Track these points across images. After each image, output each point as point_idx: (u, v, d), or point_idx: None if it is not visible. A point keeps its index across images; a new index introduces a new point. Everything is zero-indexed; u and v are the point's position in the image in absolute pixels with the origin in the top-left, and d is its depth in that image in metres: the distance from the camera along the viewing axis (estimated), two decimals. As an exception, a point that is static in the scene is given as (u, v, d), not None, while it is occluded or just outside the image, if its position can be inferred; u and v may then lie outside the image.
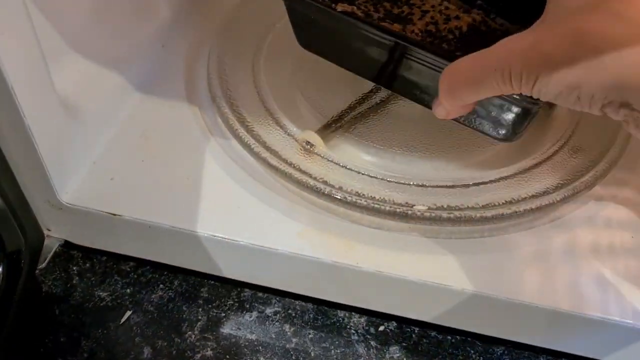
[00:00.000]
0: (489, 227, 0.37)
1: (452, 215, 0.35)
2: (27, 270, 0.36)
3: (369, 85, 0.44)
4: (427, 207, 0.36)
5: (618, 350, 0.34)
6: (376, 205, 0.36)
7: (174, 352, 0.37)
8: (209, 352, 0.37)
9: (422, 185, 0.38)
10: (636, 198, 0.38)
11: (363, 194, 0.36)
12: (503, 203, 0.36)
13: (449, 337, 0.38)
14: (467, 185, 0.38)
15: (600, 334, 0.33)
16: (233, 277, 0.39)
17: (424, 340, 0.38)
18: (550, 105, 0.43)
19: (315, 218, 0.37)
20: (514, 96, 0.34)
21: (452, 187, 0.38)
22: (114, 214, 0.36)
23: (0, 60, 0.29)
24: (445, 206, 0.36)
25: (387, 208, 0.36)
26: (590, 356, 0.35)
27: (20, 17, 0.30)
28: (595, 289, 0.34)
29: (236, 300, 0.39)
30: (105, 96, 0.41)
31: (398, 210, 0.36)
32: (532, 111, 0.35)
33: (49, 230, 0.40)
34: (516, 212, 0.36)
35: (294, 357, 0.37)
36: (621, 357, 0.34)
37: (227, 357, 0.36)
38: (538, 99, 0.34)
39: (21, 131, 0.32)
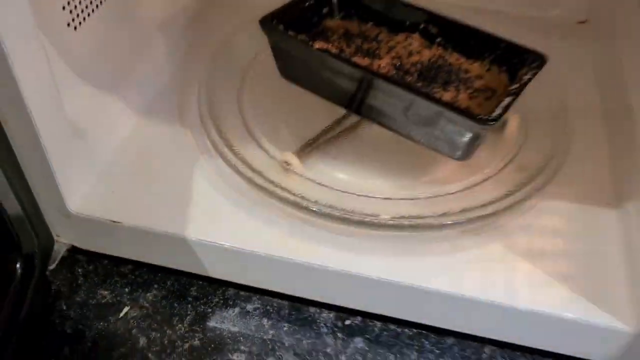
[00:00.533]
0: (442, 234, 0.42)
1: (412, 223, 0.41)
2: (39, 270, 0.42)
3: (342, 111, 0.48)
4: (390, 217, 0.41)
5: (546, 336, 0.39)
6: (347, 216, 0.41)
7: (166, 341, 0.42)
8: (197, 342, 0.42)
9: (388, 198, 0.44)
10: (568, 208, 0.44)
11: (336, 206, 0.42)
12: (458, 212, 0.42)
13: (407, 330, 0.43)
14: (427, 198, 0.44)
15: (532, 323, 0.39)
16: (218, 277, 0.44)
17: (384, 333, 0.43)
18: (501, 129, 0.49)
19: (290, 226, 0.42)
20: (468, 122, 0.40)
21: (414, 199, 0.44)
22: (115, 221, 0.42)
23: (21, 89, 0.35)
24: (407, 215, 0.42)
25: (357, 218, 0.41)
26: (527, 344, 0.41)
27: (38, 53, 0.36)
28: (528, 284, 0.39)
29: (221, 298, 0.44)
30: (108, 120, 0.46)
31: (366, 219, 0.41)
32: (481, 135, 0.41)
33: (58, 236, 0.45)
34: (469, 218, 0.41)
35: (270, 346, 0.42)
36: (547, 341, 0.40)
37: (212, 345, 0.42)
38: (486, 125, 0.40)
39: (37, 149, 0.38)
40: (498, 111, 0.39)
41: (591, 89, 0.54)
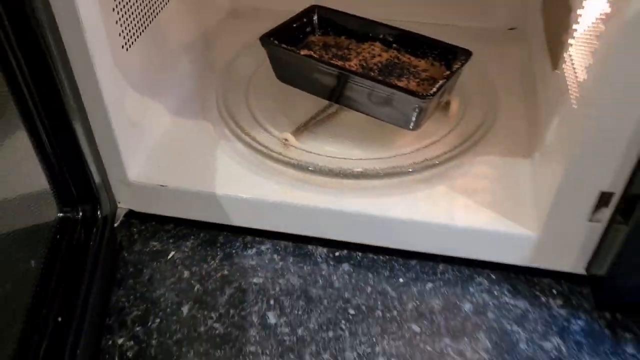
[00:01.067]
0: (399, 180, 0.58)
1: (378, 173, 0.57)
2: (110, 226, 0.57)
3: (325, 102, 0.64)
4: (362, 169, 0.57)
5: (478, 247, 0.54)
6: (330, 171, 0.57)
7: (203, 272, 0.57)
8: (226, 272, 0.57)
9: (360, 159, 0.59)
10: (494, 160, 0.59)
11: (322, 166, 0.57)
12: (412, 163, 0.58)
13: (381, 257, 0.58)
14: (390, 157, 0.59)
15: (467, 237, 0.54)
16: (239, 225, 0.59)
17: (365, 259, 0.58)
18: (446, 106, 0.64)
19: (290, 182, 0.57)
20: (412, 98, 0.55)
21: (379, 158, 0.59)
22: (162, 185, 0.57)
23: (103, 93, 0.51)
24: (373, 169, 0.57)
25: (337, 171, 0.57)
26: (466, 256, 0.55)
27: (109, 67, 0.52)
28: (464, 210, 0.54)
29: (241, 243, 0.59)
30: (152, 116, 0.62)
31: (345, 172, 0.57)
32: (424, 108, 0.57)
33: (119, 202, 0.60)
34: (420, 168, 0.57)
35: (280, 272, 0.57)
36: (480, 251, 0.55)
37: (238, 274, 0.56)
38: (425, 100, 0.55)
39: (110, 135, 0.53)
40: (433, 89, 0.55)
41: (515, 79, 0.70)
